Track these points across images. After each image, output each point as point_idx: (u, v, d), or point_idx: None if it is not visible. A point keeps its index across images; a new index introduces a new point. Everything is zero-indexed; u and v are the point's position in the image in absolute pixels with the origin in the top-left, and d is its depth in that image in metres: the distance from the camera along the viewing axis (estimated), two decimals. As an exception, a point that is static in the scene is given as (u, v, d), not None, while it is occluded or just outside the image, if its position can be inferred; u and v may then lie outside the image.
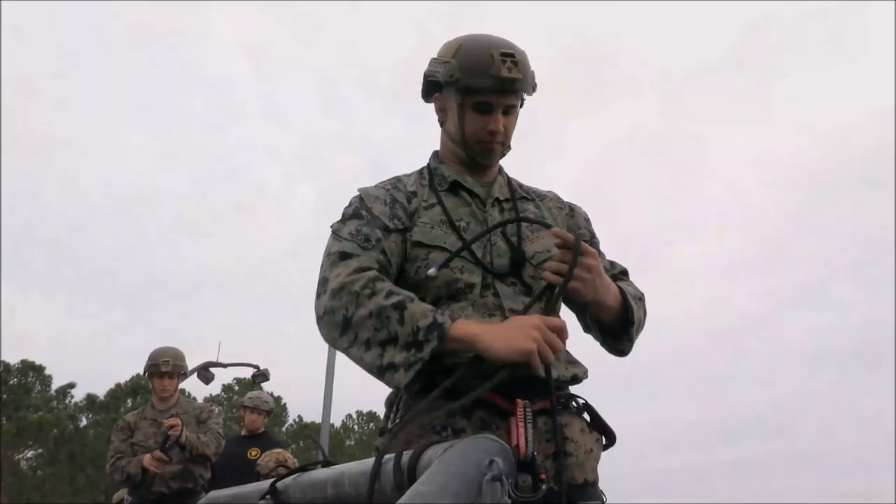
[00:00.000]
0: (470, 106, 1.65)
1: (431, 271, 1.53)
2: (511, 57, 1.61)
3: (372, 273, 1.50)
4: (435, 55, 1.71)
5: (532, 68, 1.67)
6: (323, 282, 1.54)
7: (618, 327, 1.65)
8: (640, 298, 1.73)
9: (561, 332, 1.42)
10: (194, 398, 5.71)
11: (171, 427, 4.31)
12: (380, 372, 1.44)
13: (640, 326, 1.71)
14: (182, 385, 4.96)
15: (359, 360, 1.47)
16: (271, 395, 5.98)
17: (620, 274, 1.80)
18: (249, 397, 5.80)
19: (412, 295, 1.49)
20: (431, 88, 1.75)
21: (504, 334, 1.39)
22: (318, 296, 1.53)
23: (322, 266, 1.57)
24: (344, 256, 1.54)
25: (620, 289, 1.63)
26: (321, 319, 1.51)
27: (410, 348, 1.40)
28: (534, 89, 1.69)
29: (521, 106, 1.72)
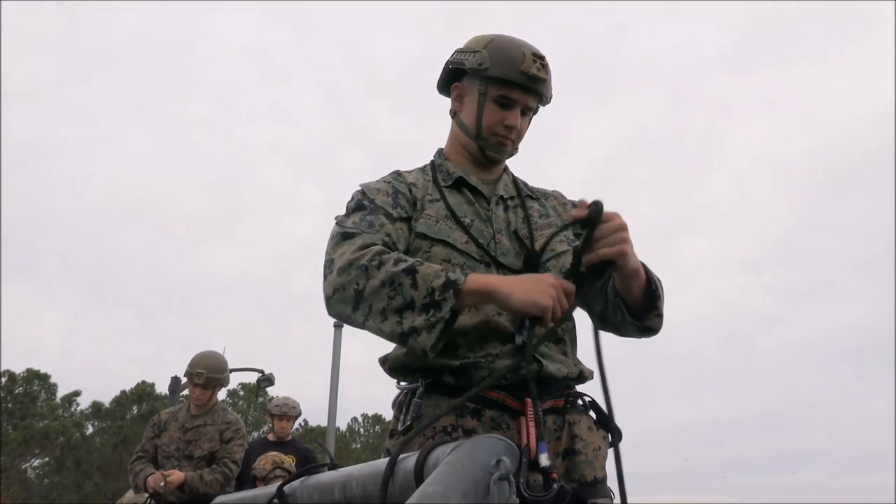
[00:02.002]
0: (492, 98, 1.67)
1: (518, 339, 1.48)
2: (541, 59, 1.65)
3: (377, 247, 1.50)
4: (461, 46, 1.73)
5: (552, 81, 1.69)
6: (328, 263, 1.53)
7: (645, 301, 1.61)
8: (659, 280, 1.68)
9: (570, 296, 1.44)
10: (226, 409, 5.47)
11: (169, 479, 4.25)
12: (402, 339, 1.43)
13: (663, 302, 1.66)
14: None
15: (377, 332, 1.46)
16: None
17: None
18: (276, 405, 5.64)
19: (420, 259, 1.49)
20: (451, 78, 1.76)
21: (522, 287, 1.41)
22: (325, 277, 1.52)
23: (327, 249, 1.57)
24: (347, 236, 1.54)
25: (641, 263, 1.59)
26: (331, 298, 1.49)
27: (428, 310, 1.40)
28: (550, 99, 1.72)
29: (535, 113, 1.74)
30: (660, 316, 1.63)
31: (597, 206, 1.41)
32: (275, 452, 4.93)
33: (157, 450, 4.51)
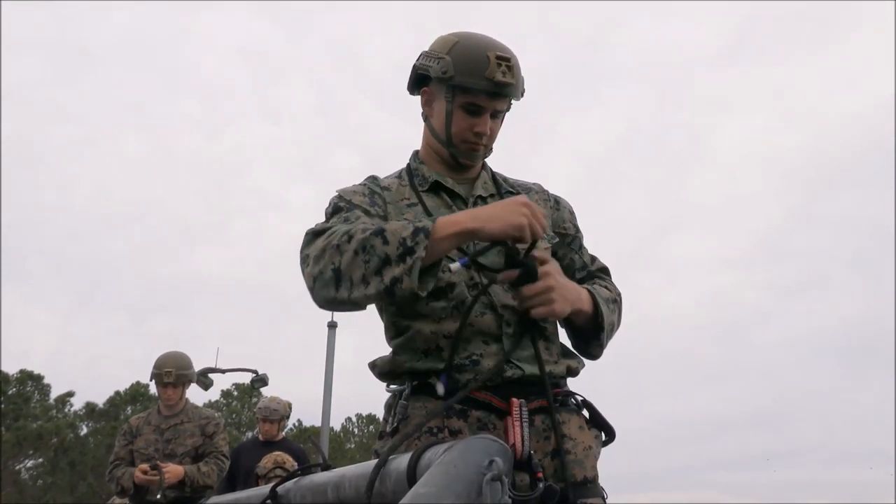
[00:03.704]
0: (459, 105, 1.64)
1: (455, 265, 1.46)
2: (507, 61, 1.61)
3: (342, 226, 1.50)
4: (427, 48, 1.71)
5: (522, 74, 1.67)
6: (304, 259, 1.53)
7: (589, 331, 1.65)
8: (615, 301, 1.72)
9: (542, 216, 1.49)
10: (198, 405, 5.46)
11: (166, 473, 4.20)
12: (389, 293, 1.41)
13: (613, 330, 1.71)
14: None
15: (365, 299, 1.45)
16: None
17: (599, 272, 1.80)
18: (259, 407, 5.67)
19: (385, 222, 1.50)
20: (419, 81, 1.75)
21: (493, 213, 1.45)
22: (303, 271, 1.52)
23: (301, 248, 1.56)
24: (319, 232, 1.54)
25: (590, 292, 1.63)
26: (314, 288, 1.50)
27: (404, 258, 1.39)
28: (522, 95, 1.69)
29: (508, 110, 1.72)
30: (601, 347, 1.69)
31: (526, 270, 1.49)
32: (278, 452, 4.94)
33: (134, 455, 4.47)
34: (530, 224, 1.44)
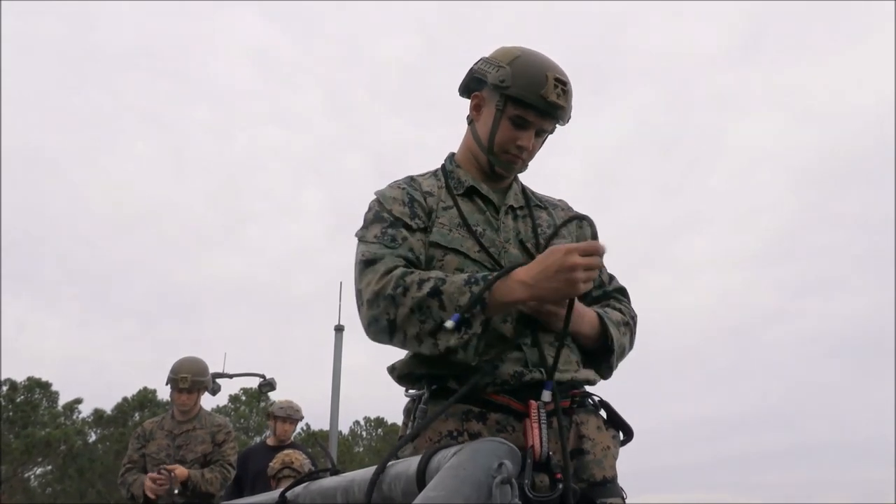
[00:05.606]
0: (509, 116, 1.67)
1: (449, 324, 1.45)
2: (563, 85, 1.65)
3: (399, 271, 1.52)
4: (487, 56, 1.73)
5: (573, 102, 1.69)
6: (358, 294, 1.57)
7: (598, 353, 1.66)
8: (627, 324, 1.72)
9: (596, 250, 1.47)
10: (211, 412, 5.46)
11: (174, 474, 4.23)
12: (443, 358, 1.48)
13: (624, 353, 1.71)
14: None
15: (418, 352, 1.52)
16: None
17: (616, 292, 1.80)
18: (280, 407, 5.65)
19: (441, 275, 1.51)
20: (473, 85, 1.76)
21: (544, 285, 1.45)
22: (358, 308, 1.57)
23: (354, 277, 1.60)
24: (369, 263, 1.56)
25: (599, 315, 1.64)
26: (368, 330, 1.55)
27: (460, 328, 1.44)
28: (568, 120, 1.71)
29: (552, 132, 1.74)
30: (610, 369, 1.69)
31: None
32: (287, 451, 4.91)
33: (146, 459, 4.48)
34: (585, 278, 1.45)
